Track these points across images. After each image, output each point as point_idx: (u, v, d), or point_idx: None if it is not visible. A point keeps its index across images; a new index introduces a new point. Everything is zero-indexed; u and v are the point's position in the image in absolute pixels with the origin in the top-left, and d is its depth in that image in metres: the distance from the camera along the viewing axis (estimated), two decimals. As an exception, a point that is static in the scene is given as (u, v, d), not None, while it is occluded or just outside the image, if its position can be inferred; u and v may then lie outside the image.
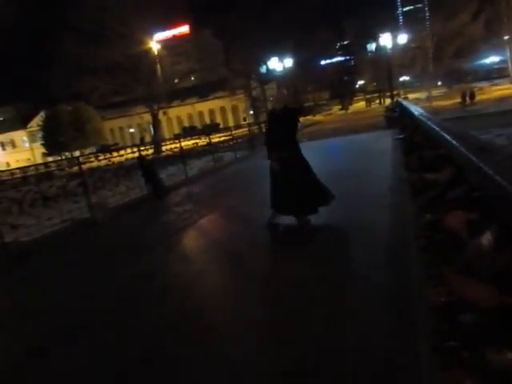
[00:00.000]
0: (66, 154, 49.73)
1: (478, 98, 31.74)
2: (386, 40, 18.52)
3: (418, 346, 2.13)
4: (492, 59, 52.35)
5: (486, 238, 1.00)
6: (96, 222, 7.32)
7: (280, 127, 4.86)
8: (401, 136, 6.38)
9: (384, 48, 19.68)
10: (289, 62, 21.60)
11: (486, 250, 0.98)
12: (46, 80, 34.13)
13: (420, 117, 2.80)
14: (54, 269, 5.20)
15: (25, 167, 7.23)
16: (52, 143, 50.29)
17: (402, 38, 20.91)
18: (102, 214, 7.49)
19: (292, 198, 4.79)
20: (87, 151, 46.54)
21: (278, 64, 19.95)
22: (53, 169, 7.39)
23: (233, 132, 15.53)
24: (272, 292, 3.34)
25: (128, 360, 2.66)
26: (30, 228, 6.14)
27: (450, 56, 44.51)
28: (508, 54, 46.33)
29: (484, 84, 47.28)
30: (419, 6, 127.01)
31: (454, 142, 1.27)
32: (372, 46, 21.40)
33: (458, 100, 30.91)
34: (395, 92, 58.86)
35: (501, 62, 51.65)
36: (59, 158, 46.71)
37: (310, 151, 5.38)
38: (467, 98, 29.20)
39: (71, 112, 49.23)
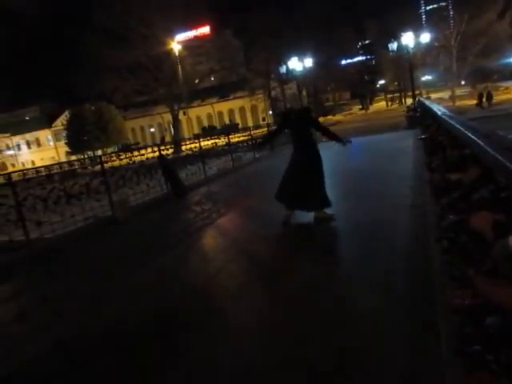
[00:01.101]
0: (89, 152, 50.78)
1: (503, 97, 30.85)
2: (408, 39, 18.20)
3: (440, 348, 2.10)
4: (519, 58, 50.78)
5: (514, 239, 0.97)
6: (117, 220, 7.46)
7: (306, 125, 5.14)
8: (423, 136, 6.27)
9: (406, 47, 19.35)
10: (309, 62, 21.52)
11: (514, 251, 0.96)
12: (71, 80, 34.95)
13: (443, 116, 2.74)
14: (77, 266, 5.32)
15: (49, 165, 7.40)
16: (75, 142, 51.40)
17: (425, 37, 20.56)
18: (124, 213, 7.62)
19: (312, 192, 4.98)
20: (109, 150, 47.49)
21: (298, 64, 19.89)
22: (76, 167, 7.53)
23: (252, 132, 15.54)
24: (289, 292, 3.33)
25: (152, 358, 2.70)
26: (54, 225, 6.30)
27: (474, 55, 43.39)
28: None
29: (510, 83, 45.90)
30: (443, 4, 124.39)
31: (479, 141, 1.24)
32: (394, 46, 21.12)
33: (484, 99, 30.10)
34: (417, 92, 57.93)
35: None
36: (82, 156, 47.77)
37: (330, 151, 5.37)
38: (484, 100, 27.77)
39: (94, 111, 50.23)
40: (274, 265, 4.08)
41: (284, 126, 5.45)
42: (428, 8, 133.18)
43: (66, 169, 7.12)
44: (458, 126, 1.80)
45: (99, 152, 48.32)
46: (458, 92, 42.42)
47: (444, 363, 2.02)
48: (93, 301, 3.88)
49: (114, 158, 7.84)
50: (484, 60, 43.78)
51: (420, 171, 6.72)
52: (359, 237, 4.41)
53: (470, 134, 1.55)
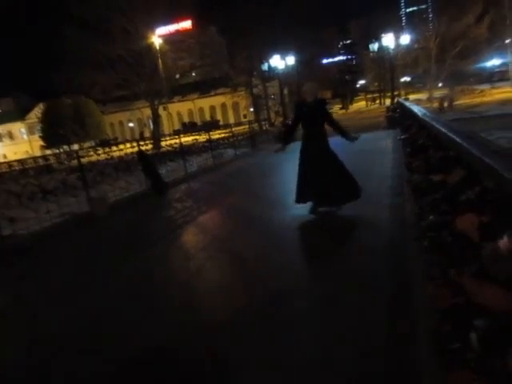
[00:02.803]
0: (65, 147, 49.55)
1: (478, 100, 31.74)
2: (388, 40, 18.44)
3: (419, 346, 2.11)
4: (493, 62, 52.33)
5: (504, 242, 0.97)
6: (95, 216, 7.29)
7: (320, 117, 5.06)
8: (403, 136, 6.35)
9: (386, 48, 19.60)
10: (291, 60, 21.53)
11: (504, 253, 0.96)
12: (47, 73, 33.99)
13: (425, 117, 2.77)
14: (52, 263, 5.16)
15: (23, 159, 7.18)
16: (51, 136, 50.03)
17: (405, 39, 20.87)
18: (102, 209, 7.46)
19: (328, 186, 4.89)
20: (86, 145, 46.43)
21: (280, 62, 19.87)
22: (52, 162, 7.32)
23: (233, 129, 15.46)
24: (269, 292, 3.31)
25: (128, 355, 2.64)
26: (29, 221, 6.10)
27: (452, 57, 44.42)
28: (509, 57, 46.39)
29: (485, 86, 47.18)
30: (423, 6, 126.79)
31: (465, 143, 1.25)
32: (374, 46, 21.37)
33: (460, 101, 30.94)
34: (396, 92, 58.81)
35: (502, 65, 51.68)
36: (57, 150, 46.57)
37: None
38: (445, 104, 29.00)
39: (71, 105, 49.04)
40: (256, 263, 4.05)
41: (298, 117, 5.28)
42: (409, 10, 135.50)
43: (41, 163, 6.90)
44: (442, 128, 1.81)
45: (76, 146, 47.21)
46: (436, 94, 43.33)
47: (422, 362, 2.05)
48: (66, 300, 3.77)
49: (92, 154, 7.65)
50: (462, 63, 44.83)
51: (400, 171, 6.82)
52: (338, 236, 4.42)
53: (454, 136, 1.55)
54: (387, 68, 53.93)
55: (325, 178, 4.90)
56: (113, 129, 61.52)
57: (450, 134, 1.51)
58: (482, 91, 41.69)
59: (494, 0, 42.34)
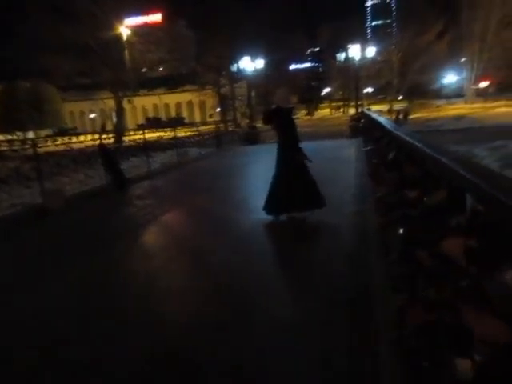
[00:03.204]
0: (19, 133, 46.88)
1: (435, 114, 33.35)
2: (355, 51, 18.95)
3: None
4: (450, 79, 55.20)
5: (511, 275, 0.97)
6: (49, 209, 6.90)
7: (293, 127, 5.08)
8: (368, 147, 6.50)
9: (352, 59, 20.15)
10: (260, 63, 21.57)
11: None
12: (4, 53, 32.01)
13: (399, 132, 2.81)
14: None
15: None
16: (5, 120, 47.18)
17: (370, 51, 21.53)
18: (57, 202, 7.08)
19: (300, 193, 4.89)
20: (43, 133, 44.27)
21: (250, 64, 19.89)
22: (5, 149, 6.86)
23: (199, 128, 15.26)
24: (231, 291, 3.25)
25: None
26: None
27: (413, 72, 46.41)
28: (464, 74, 49.16)
29: (442, 102, 49.68)
30: (388, 21, 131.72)
31: (446, 160, 1.25)
32: (341, 56, 21.91)
33: (418, 115, 32.38)
34: (359, 103, 60.57)
35: (458, 81, 54.61)
36: (11, 137, 44.00)
37: (271, 154, 5.32)
38: (400, 117, 30.20)
39: (29, 89, 46.49)
40: (220, 264, 3.96)
41: (276, 121, 5.20)
42: (374, 23, 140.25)
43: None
44: (420, 144, 1.83)
45: (31, 134, 44.81)
46: (397, 106, 45.06)
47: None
48: (8, 302, 3.50)
49: (50, 144, 7.25)
50: (421, 77, 46.96)
51: (363, 181, 6.97)
52: (301, 243, 4.42)
53: (428, 151, 1.57)
54: (352, 78, 55.68)
55: (295, 186, 4.90)
56: (72, 118, 59.01)
57: (431, 152, 1.53)
58: (438, 106, 43.87)
59: (453, 20, 44.73)
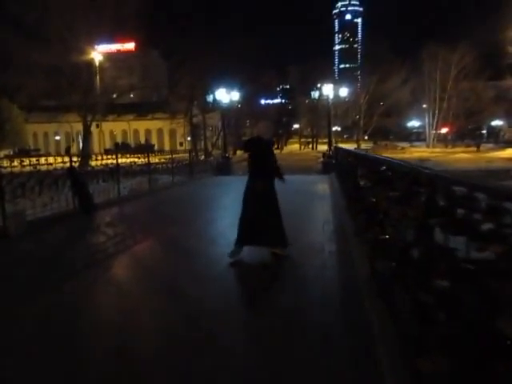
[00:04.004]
0: (-24, 152, 44.68)
1: (400, 155, 34.80)
2: (328, 90, 19.66)
3: None
4: (413, 123, 58.39)
5: None
6: (9, 234, 6.38)
7: (270, 157, 5.08)
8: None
9: (325, 97, 20.86)
10: (235, 95, 21.96)
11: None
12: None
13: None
14: None
15: None
16: (-38, 138, 45.00)
17: (343, 91, 22.42)
18: (17, 227, 6.56)
19: (268, 227, 4.77)
20: (3, 152, 42.39)
21: (225, 96, 20.15)
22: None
23: (173, 155, 15.02)
24: (219, 338, 2.99)
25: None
26: None
27: (379, 114, 48.76)
28: (426, 120, 52.18)
29: (405, 144, 52.22)
30: (354, 65, 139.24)
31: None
32: (316, 94, 22.68)
33: (385, 155, 33.50)
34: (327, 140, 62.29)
35: (420, 126, 57.82)
36: (-34, 155, 41.80)
37: (236, 187, 5.19)
38: None
39: (-10, 108, 44.80)
40: (196, 303, 3.67)
41: (253, 150, 5.11)
42: (341, 66, 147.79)
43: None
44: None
45: (-10, 153, 42.80)
46: (363, 145, 46.83)
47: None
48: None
49: (16, 164, 6.80)
50: (386, 120, 49.43)
51: (342, 217, 6.94)
52: (278, 280, 4.22)
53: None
54: (320, 116, 57.67)
55: (262, 217, 4.78)
56: (36, 139, 57.08)
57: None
58: (402, 148, 46.00)
59: (416, 68, 47.88)
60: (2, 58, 27.99)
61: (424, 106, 51.95)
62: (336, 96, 20.00)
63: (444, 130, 51.87)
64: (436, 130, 51.33)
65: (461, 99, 46.25)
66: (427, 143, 51.62)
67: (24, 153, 42.28)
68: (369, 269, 3.61)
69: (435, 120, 50.71)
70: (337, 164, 13.59)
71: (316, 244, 5.50)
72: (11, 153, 44.31)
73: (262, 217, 4.78)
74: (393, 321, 2.39)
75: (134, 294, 3.96)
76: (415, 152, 41.27)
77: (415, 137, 59.46)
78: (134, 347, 2.86)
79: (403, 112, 50.25)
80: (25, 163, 7.12)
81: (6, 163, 7.00)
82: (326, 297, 3.63)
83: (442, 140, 51.45)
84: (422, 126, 55.99)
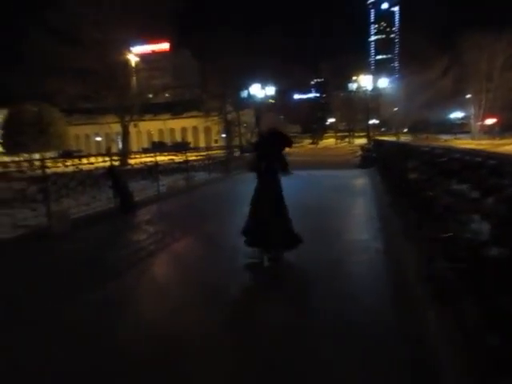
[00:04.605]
0: (25, 155, 47.12)
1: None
2: (366, 82, 19.03)
3: None
4: (456, 114, 55.68)
5: None
6: (54, 233, 6.53)
7: (269, 151, 4.61)
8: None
9: (362, 90, 20.24)
10: (271, 90, 21.72)
11: None
12: (9, 79, 32.29)
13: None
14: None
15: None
16: (11, 142, 47.69)
17: (383, 82, 21.66)
18: (62, 226, 6.71)
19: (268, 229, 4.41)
20: (48, 155, 44.38)
21: (260, 91, 19.95)
22: (12, 170, 6.55)
23: (209, 152, 15.05)
24: (252, 337, 2.83)
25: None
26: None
27: (418, 106, 46.84)
28: (472, 111, 49.60)
29: (448, 137, 49.96)
30: (390, 56, 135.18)
31: None
32: (353, 86, 22.04)
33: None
34: (364, 134, 60.87)
35: (464, 118, 55.04)
36: (17, 158, 44.18)
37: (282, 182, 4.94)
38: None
39: (35, 113, 47.09)
40: (239, 306, 3.55)
41: (256, 148, 4.88)
42: (378, 58, 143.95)
43: None
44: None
45: (37, 155, 45.00)
46: (402, 139, 45.23)
47: None
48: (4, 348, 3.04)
49: (60, 165, 6.96)
50: (426, 112, 47.41)
51: (387, 213, 6.61)
52: (324, 286, 3.98)
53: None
54: (357, 109, 56.37)
55: (268, 218, 4.46)
56: (78, 141, 59.43)
57: None
58: (445, 140, 44.01)
59: (457, 58, 45.53)
60: (42, 65, 29.17)
61: (468, 96, 49.42)
62: (375, 88, 19.35)
63: (491, 121, 49.08)
64: (482, 121, 48.70)
65: (508, 89, 43.58)
66: (472, 135, 49.10)
67: (67, 154, 44.04)
68: (423, 269, 3.34)
69: (481, 111, 48.13)
70: (378, 158, 13.11)
71: (361, 242, 5.25)
72: (56, 155, 46.28)
73: (270, 219, 4.45)
74: (461, 331, 2.14)
75: (174, 291, 3.89)
76: (460, 145, 39.34)
77: (458, 129, 56.71)
78: (177, 348, 2.77)
79: (445, 103, 47.90)
80: (68, 164, 7.26)
81: (50, 164, 7.18)
82: (375, 300, 3.40)
83: (488, 132, 48.76)
84: (466, 118, 53.29)
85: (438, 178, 3.05)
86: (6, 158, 45.82)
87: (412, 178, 4.61)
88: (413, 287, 3.47)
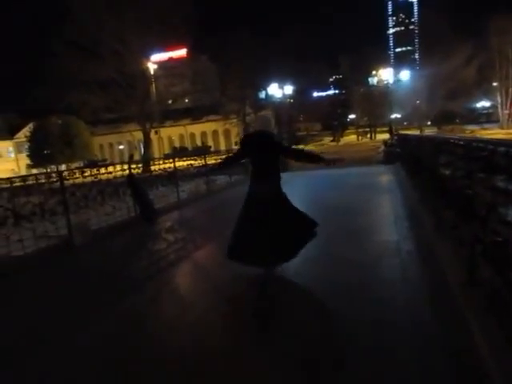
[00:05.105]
0: (52, 166, 48.53)
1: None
2: (387, 75, 18.46)
3: None
4: (482, 104, 53.69)
5: None
6: (74, 245, 6.49)
7: (267, 155, 4.15)
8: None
9: (383, 84, 19.66)
10: (289, 89, 21.39)
11: None
12: (35, 93, 33.32)
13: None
14: (14, 305, 4.32)
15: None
16: (38, 155, 49.27)
17: (405, 74, 21.00)
18: (83, 238, 6.67)
19: (267, 242, 3.90)
20: (74, 165, 45.62)
21: (278, 90, 19.68)
22: (32, 183, 6.55)
23: (229, 155, 14.87)
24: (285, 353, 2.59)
25: None
26: (-4, 250, 5.27)
27: (442, 97, 45.44)
28: (499, 99, 47.69)
29: (474, 127, 48.21)
30: (411, 48, 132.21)
31: None
32: (374, 80, 21.47)
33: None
34: (386, 129, 59.57)
35: (491, 107, 53.01)
36: (44, 170, 45.58)
37: (303, 182, 4.62)
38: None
39: (60, 125, 48.45)
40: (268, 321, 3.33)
41: (244, 152, 4.43)
42: (397, 50, 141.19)
43: (18, 184, 6.13)
44: None
45: (63, 166, 46.32)
46: (427, 131, 43.96)
47: None
48: (20, 360, 2.94)
49: (78, 175, 6.91)
50: (450, 103, 45.91)
51: (415, 211, 6.25)
52: (356, 294, 3.71)
53: None
54: (378, 104, 55.18)
55: (271, 230, 3.94)
56: (102, 150, 60.77)
57: None
58: (472, 131, 42.49)
59: (481, 45, 43.90)
60: (65, 78, 29.89)
61: (494, 84, 47.55)
62: (396, 81, 18.75)
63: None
64: (509, 109, 46.72)
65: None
66: (500, 124, 47.18)
67: (92, 164, 45.03)
68: (465, 274, 3.02)
69: (508, 99, 46.19)
70: (402, 153, 12.63)
71: (390, 243, 4.92)
72: (81, 164, 47.44)
73: (268, 230, 3.93)
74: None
75: (197, 303, 3.70)
76: (488, 135, 37.86)
77: (485, 118, 54.59)
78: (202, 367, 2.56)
79: (470, 93, 46.24)
80: (86, 174, 7.22)
81: (72, 175, 7.15)
82: (410, 308, 3.10)
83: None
84: (493, 107, 51.25)
85: (478, 174, 2.73)
86: (34, 170, 47.40)
87: (446, 173, 4.27)
88: (451, 291, 3.15)
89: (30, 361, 2.90)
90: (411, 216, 6.14)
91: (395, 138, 16.94)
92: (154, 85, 36.59)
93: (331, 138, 64.61)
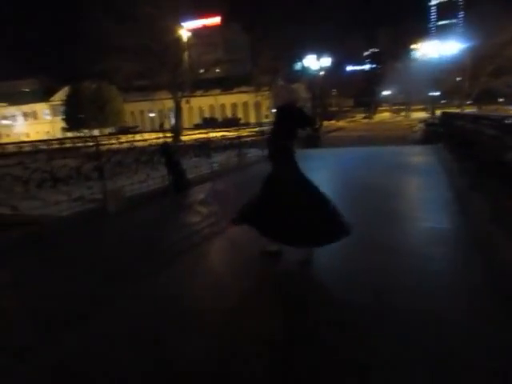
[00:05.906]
0: (85, 131, 49.56)
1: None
2: (430, 49, 17.34)
3: None
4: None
5: None
6: (109, 211, 6.47)
7: (281, 128, 3.90)
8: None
9: (423, 59, 18.52)
10: (326, 62, 20.52)
11: None
12: (72, 55, 33.61)
13: None
14: (48, 266, 4.31)
15: (39, 141, 6.37)
16: (72, 119, 50.37)
17: (450, 48, 19.64)
18: (117, 204, 6.63)
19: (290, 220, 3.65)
20: (106, 131, 46.42)
21: (315, 62, 18.91)
22: (68, 146, 6.51)
23: (262, 128, 14.57)
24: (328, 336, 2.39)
25: None
26: (32, 212, 5.28)
27: (485, 75, 42.86)
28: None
29: (518, 107, 45.47)
30: (455, 21, 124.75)
31: None
32: (413, 55, 20.22)
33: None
34: (422, 106, 57.23)
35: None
36: (78, 134, 46.63)
37: (337, 159, 4.27)
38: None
39: (94, 90, 49.03)
40: (302, 298, 3.13)
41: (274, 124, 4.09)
42: (440, 23, 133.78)
43: (55, 147, 6.07)
44: None
45: (95, 132, 47.19)
46: (466, 111, 41.83)
47: None
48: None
49: (114, 141, 6.83)
50: (494, 81, 43.24)
51: (466, 197, 5.83)
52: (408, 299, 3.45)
53: None
54: (415, 81, 52.70)
55: (292, 211, 3.67)
56: (133, 117, 61.39)
57: None
58: (517, 112, 40.09)
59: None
60: (101, 43, 29.84)
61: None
62: (437, 56, 17.62)
63: None
64: None
65: None
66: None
67: (124, 130, 45.60)
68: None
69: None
70: (447, 133, 11.94)
71: (443, 231, 4.57)
72: (113, 130, 48.20)
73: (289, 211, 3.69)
74: None
75: (235, 286, 3.53)
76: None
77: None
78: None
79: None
80: (122, 140, 7.13)
81: (108, 141, 7.09)
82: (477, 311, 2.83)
83: None
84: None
85: None
86: (69, 134, 48.57)
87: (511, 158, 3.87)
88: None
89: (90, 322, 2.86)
90: (462, 202, 5.73)
91: (439, 116, 16.05)
92: (186, 52, 36.11)
93: (364, 115, 62.80)
